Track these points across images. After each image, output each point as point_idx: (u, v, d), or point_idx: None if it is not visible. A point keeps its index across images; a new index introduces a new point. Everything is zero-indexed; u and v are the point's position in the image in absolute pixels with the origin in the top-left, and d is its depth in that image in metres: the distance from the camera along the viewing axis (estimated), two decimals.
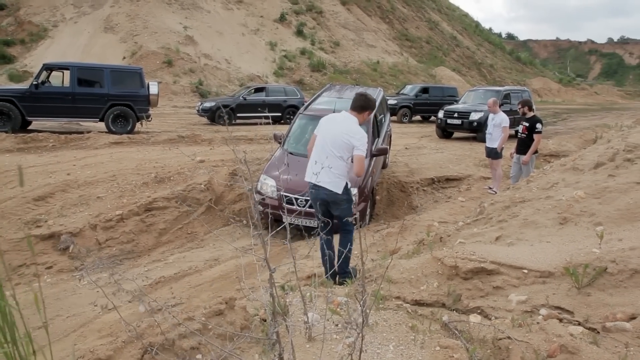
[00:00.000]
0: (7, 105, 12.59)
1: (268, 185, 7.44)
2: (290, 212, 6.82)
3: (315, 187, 4.64)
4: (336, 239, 4.98)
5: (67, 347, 4.39)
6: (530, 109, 8.51)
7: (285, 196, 7.00)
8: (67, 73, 13.64)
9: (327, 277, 4.39)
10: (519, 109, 8.58)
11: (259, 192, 7.40)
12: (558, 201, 4.50)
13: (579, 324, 2.71)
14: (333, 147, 4.59)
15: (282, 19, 38.12)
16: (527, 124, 8.36)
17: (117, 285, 2.27)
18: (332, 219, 4.85)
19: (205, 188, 8.64)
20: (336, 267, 4.51)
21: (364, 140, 4.60)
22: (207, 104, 18.33)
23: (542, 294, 3.05)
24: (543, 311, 2.90)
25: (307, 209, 6.81)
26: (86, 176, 8.87)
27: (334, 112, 8.19)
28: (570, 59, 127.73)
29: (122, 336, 4.13)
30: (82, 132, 12.96)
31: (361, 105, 4.71)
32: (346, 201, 4.77)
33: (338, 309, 2.75)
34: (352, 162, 4.66)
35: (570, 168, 5.54)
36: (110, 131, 13.50)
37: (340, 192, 4.63)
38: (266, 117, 17.67)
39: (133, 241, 7.50)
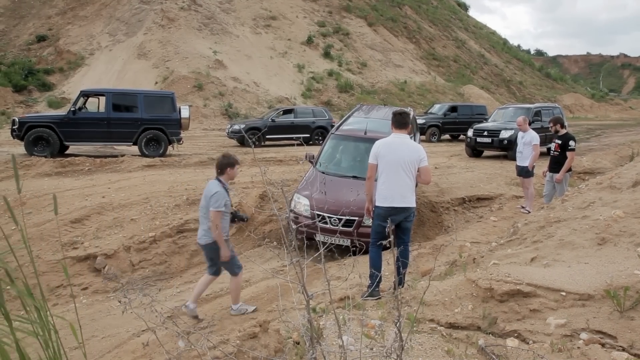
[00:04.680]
0: (47, 131, 13.09)
1: (302, 204, 7.50)
2: (325, 231, 6.85)
3: (398, 209, 5.03)
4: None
5: None
6: (563, 126, 8.35)
7: (319, 215, 7.04)
8: (102, 99, 14.11)
9: (376, 290, 4.83)
10: (551, 127, 8.42)
11: (292, 211, 7.46)
12: (595, 221, 4.38)
13: (624, 349, 2.61)
14: (411, 166, 5.06)
15: (309, 41, 38.64)
16: (559, 142, 8.20)
17: (151, 306, 2.31)
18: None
19: (235, 210, 8.73)
20: (396, 278, 4.86)
21: (425, 152, 5.23)
22: (237, 126, 18.63)
23: (582, 317, 2.96)
24: (584, 335, 2.80)
25: (341, 228, 6.86)
26: (120, 199, 9.09)
27: (365, 133, 8.27)
28: (602, 74, 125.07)
29: (156, 358, 4.17)
30: (116, 156, 13.34)
31: (405, 122, 5.21)
32: (414, 215, 5.35)
33: (373, 333, 2.72)
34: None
35: (607, 186, 5.39)
36: (143, 154, 13.85)
37: (415, 205, 5.28)
38: (297, 138, 17.86)
39: (165, 262, 7.62)
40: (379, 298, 4.70)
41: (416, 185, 5.64)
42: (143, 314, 2.43)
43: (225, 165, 5.05)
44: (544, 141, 11.88)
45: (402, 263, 4.94)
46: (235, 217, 5.50)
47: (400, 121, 5.19)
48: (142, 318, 2.11)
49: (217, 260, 5.16)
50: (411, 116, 9.86)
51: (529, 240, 4.81)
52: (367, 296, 4.71)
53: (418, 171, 5.12)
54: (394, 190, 5.02)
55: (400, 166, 5.01)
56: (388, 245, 2.26)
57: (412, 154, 5.08)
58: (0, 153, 13.48)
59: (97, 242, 7.56)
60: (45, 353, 1.47)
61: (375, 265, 5.15)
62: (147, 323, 2.14)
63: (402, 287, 4.78)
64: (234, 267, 5.27)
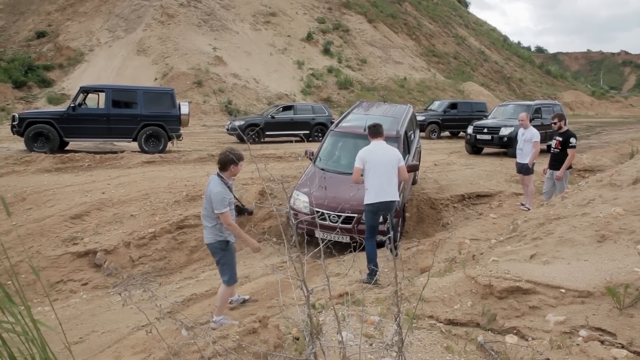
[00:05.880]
0: (47, 127, 13.07)
1: (301, 201, 7.50)
2: (324, 227, 6.86)
3: (385, 202, 5.91)
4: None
5: None
6: (565, 123, 8.34)
7: (318, 212, 7.04)
8: (102, 95, 14.10)
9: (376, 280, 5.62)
10: (555, 123, 8.36)
11: (291, 208, 7.46)
12: (595, 218, 4.38)
13: (623, 347, 2.61)
14: (392, 167, 5.98)
15: (309, 38, 38.57)
16: (560, 139, 8.19)
17: (151, 301, 2.30)
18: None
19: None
20: (393, 252, 5.77)
21: (400, 154, 6.25)
22: (236, 123, 18.62)
23: (582, 314, 2.97)
24: (583, 332, 2.81)
25: (341, 225, 6.88)
26: (120, 195, 9.09)
27: (365, 130, 8.29)
28: (603, 71, 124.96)
29: (156, 353, 4.18)
30: (116, 152, 13.32)
31: (380, 132, 6.24)
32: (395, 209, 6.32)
33: (372, 329, 2.73)
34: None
35: (607, 184, 5.39)
36: (142, 151, 13.83)
37: (398, 199, 6.23)
38: (296, 135, 17.86)
39: (165, 258, 7.63)
40: (376, 282, 5.59)
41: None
42: (143, 309, 2.43)
43: (228, 162, 4.76)
44: (544, 138, 11.87)
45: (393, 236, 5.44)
46: (241, 211, 5.32)
47: (375, 132, 6.19)
48: (143, 312, 2.11)
49: (220, 261, 4.96)
50: (411, 113, 9.91)
51: (529, 237, 4.81)
52: (373, 283, 5.44)
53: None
54: (381, 188, 5.89)
55: (384, 167, 5.94)
56: (388, 242, 2.27)
57: (391, 156, 6.06)
58: (0, 149, 13.47)
59: (97, 238, 7.57)
60: (29, 351, 1.46)
61: (372, 258, 5.87)
62: (148, 317, 2.15)
63: (397, 255, 6.00)
64: (229, 277, 4.98)
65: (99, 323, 5.54)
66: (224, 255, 4.93)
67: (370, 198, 5.92)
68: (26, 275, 6.55)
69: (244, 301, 5.57)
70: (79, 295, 6.57)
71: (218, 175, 4.82)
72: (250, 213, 5.53)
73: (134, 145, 14.25)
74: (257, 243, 4.93)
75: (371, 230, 6.04)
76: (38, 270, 6.68)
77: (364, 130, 8.36)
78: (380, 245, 6.96)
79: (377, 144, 6.12)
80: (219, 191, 4.64)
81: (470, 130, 16.55)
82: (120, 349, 4.76)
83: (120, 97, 14.19)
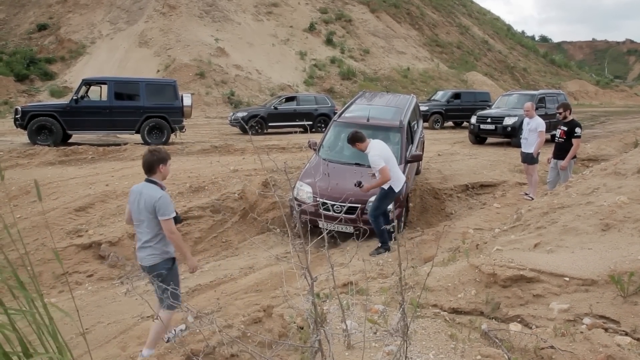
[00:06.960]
0: (50, 120, 13.09)
1: (304, 192, 7.49)
2: (328, 218, 6.85)
3: (405, 184, 7.08)
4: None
5: (109, 353, 4.51)
6: (570, 113, 8.29)
7: (322, 202, 7.03)
8: (104, 87, 14.09)
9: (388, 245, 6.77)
10: (561, 112, 8.29)
11: (295, 199, 7.47)
12: (599, 207, 4.36)
13: (627, 334, 2.62)
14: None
15: (311, 28, 38.39)
16: (565, 128, 8.13)
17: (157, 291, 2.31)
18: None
19: (239, 197, 8.75)
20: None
21: None
22: (239, 114, 18.60)
23: (585, 302, 2.97)
24: (587, 320, 2.81)
25: (344, 215, 6.87)
26: (124, 187, 9.10)
27: (368, 120, 8.30)
28: (607, 60, 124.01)
29: (161, 342, 4.21)
30: (119, 144, 13.34)
31: (364, 137, 6.82)
32: None
33: (376, 317, 2.74)
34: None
35: (611, 173, 5.37)
36: (145, 143, 13.83)
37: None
38: (299, 126, 17.82)
39: None
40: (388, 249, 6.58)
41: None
42: (148, 300, 2.44)
43: (156, 162, 4.03)
44: (549, 128, 11.82)
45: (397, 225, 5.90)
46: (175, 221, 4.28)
47: (362, 136, 6.71)
48: (147, 302, 2.12)
49: (165, 281, 3.78)
50: (414, 103, 9.88)
51: (533, 227, 4.80)
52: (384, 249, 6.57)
53: None
54: (402, 174, 6.95)
55: (394, 160, 6.87)
56: (392, 230, 2.28)
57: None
58: (4, 142, 13.52)
59: (101, 230, 7.60)
60: (42, 339, 1.48)
61: (383, 230, 6.55)
62: (152, 307, 2.16)
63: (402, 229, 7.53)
64: (174, 299, 3.45)
65: (104, 314, 5.58)
66: (169, 274, 4.14)
67: (397, 186, 6.69)
68: (32, 268, 6.59)
69: (183, 330, 4.04)
70: (84, 287, 6.61)
71: (149, 180, 4.09)
72: (180, 221, 4.55)
73: (137, 137, 14.28)
74: (196, 262, 4.08)
75: (381, 212, 6.71)
76: (43, 263, 6.73)
77: (367, 120, 8.36)
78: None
79: (375, 142, 6.76)
80: (163, 194, 3.97)
81: (473, 120, 16.49)
82: (126, 340, 4.80)
83: (123, 90, 14.20)
